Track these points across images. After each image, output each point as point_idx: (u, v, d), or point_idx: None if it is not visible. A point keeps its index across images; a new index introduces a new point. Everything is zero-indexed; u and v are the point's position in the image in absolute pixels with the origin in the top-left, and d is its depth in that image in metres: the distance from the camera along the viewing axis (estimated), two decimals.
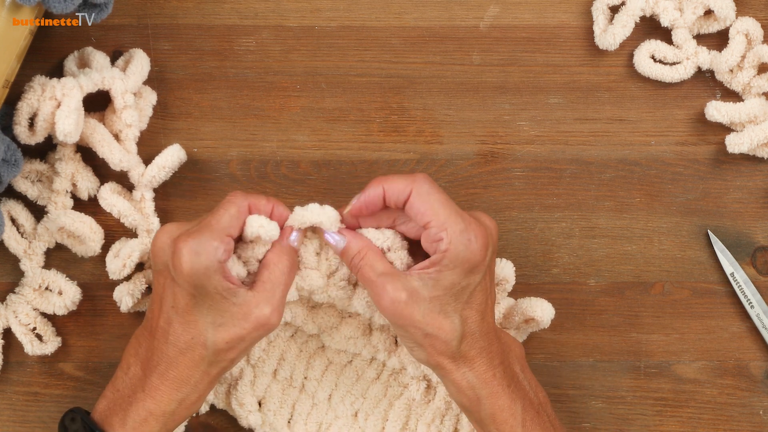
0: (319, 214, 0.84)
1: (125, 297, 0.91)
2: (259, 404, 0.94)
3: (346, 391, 0.94)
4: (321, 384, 0.94)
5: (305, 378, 0.94)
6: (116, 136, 0.91)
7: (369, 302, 0.88)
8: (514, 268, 0.92)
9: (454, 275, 0.81)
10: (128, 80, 0.90)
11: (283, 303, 0.83)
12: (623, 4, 0.93)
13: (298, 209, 0.84)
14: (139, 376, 0.84)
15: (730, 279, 0.94)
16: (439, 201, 0.81)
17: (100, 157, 0.90)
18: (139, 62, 0.91)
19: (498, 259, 0.91)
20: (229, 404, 0.93)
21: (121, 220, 0.92)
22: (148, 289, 0.92)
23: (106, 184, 0.92)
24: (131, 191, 0.93)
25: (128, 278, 0.92)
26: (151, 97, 0.93)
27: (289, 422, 0.94)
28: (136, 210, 0.92)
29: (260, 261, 0.84)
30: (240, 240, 0.84)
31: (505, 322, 0.92)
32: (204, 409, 0.94)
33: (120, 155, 0.90)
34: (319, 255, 0.86)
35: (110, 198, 0.91)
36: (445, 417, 0.93)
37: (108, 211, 0.91)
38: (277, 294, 0.83)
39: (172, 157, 0.91)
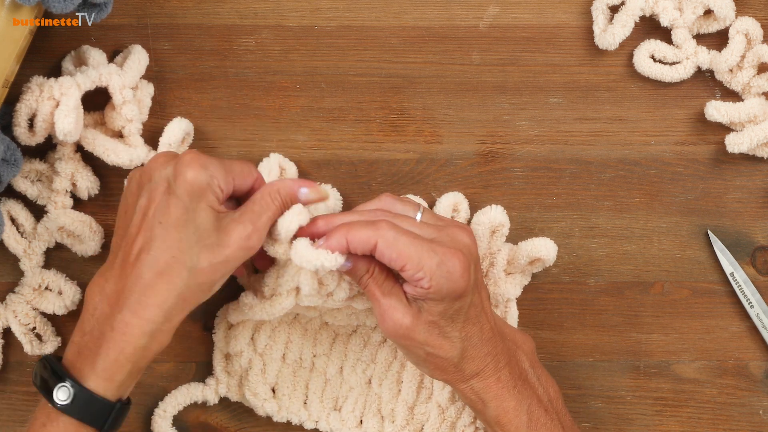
0: (317, 257, 0.81)
1: None
2: (273, 391, 0.94)
3: (356, 359, 0.94)
4: (330, 358, 0.94)
5: (314, 356, 0.94)
6: (119, 133, 0.91)
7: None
8: (505, 211, 0.91)
9: (443, 305, 0.82)
10: (125, 75, 0.90)
11: (265, 230, 0.82)
12: (623, 3, 0.93)
13: (292, 253, 0.82)
14: (107, 314, 0.80)
15: (730, 279, 0.94)
16: (408, 243, 0.80)
17: (110, 165, 0.90)
18: (137, 57, 0.91)
19: (488, 207, 0.91)
20: (243, 395, 0.93)
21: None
22: None
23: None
24: None
25: None
26: (148, 88, 0.93)
27: (305, 403, 0.94)
28: None
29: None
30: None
31: (509, 267, 0.92)
32: (214, 399, 0.93)
33: (128, 155, 0.90)
34: (319, 285, 0.85)
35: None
36: None
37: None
38: (263, 219, 0.81)
39: (175, 132, 0.91)
